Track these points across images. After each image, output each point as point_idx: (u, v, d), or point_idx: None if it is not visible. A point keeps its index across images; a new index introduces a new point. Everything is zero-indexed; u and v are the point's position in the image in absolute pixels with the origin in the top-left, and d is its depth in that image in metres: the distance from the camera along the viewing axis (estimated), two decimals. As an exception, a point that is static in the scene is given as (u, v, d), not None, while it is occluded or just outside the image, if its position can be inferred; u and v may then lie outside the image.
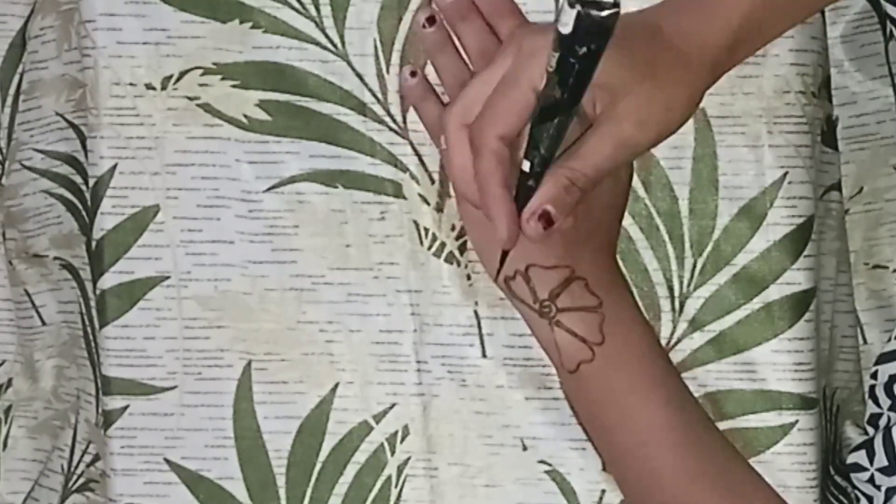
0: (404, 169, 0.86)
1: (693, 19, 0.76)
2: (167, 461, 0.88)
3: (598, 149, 0.73)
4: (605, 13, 0.65)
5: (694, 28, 0.75)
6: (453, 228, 0.86)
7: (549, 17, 0.85)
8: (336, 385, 0.88)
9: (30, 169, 0.93)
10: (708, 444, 0.81)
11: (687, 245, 0.86)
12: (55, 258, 0.94)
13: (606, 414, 0.81)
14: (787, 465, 0.86)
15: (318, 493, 0.88)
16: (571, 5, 0.66)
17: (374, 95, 0.86)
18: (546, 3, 0.85)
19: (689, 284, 0.86)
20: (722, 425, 0.85)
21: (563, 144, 0.73)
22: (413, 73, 0.86)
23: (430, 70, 0.86)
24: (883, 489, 0.87)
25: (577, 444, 0.87)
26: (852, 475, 0.90)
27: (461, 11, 0.83)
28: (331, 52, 0.86)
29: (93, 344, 0.90)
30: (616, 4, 0.66)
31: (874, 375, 0.92)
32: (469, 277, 0.87)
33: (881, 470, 0.88)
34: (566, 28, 0.66)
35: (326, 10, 0.86)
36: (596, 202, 0.79)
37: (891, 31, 0.94)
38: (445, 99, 0.85)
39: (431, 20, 0.84)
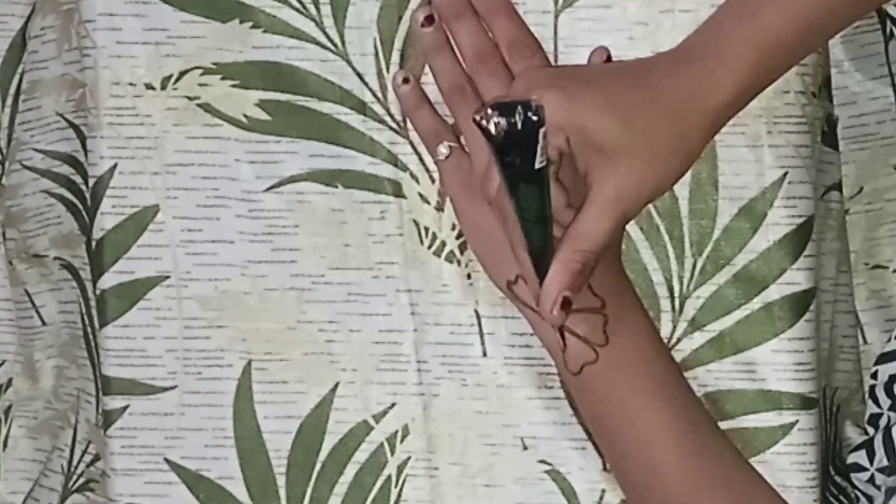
0: (404, 168, 0.86)
1: (695, 80, 0.74)
2: (167, 461, 0.88)
3: (599, 227, 0.74)
4: (501, 129, 0.66)
5: (696, 90, 0.74)
6: (453, 227, 0.86)
7: (548, 17, 0.85)
8: (336, 385, 0.88)
9: (30, 169, 0.93)
10: (711, 446, 0.81)
11: (687, 245, 0.86)
12: (55, 258, 0.94)
13: (610, 415, 0.81)
14: (787, 465, 0.86)
15: (318, 492, 0.88)
16: (477, 119, 0.66)
17: (374, 94, 0.86)
18: (545, 3, 0.85)
19: (689, 284, 0.86)
20: (722, 425, 0.85)
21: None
22: (406, 80, 0.86)
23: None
24: (883, 489, 0.87)
25: (578, 444, 0.87)
26: (852, 475, 0.90)
27: (456, 10, 0.83)
28: (331, 51, 0.86)
29: (93, 344, 0.90)
30: (513, 115, 0.66)
31: (874, 375, 0.92)
32: (469, 276, 0.87)
33: (881, 470, 0.88)
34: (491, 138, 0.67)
35: (326, 10, 0.86)
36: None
37: (891, 31, 0.94)
38: (439, 101, 0.85)
39: (430, 19, 0.84)
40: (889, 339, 0.93)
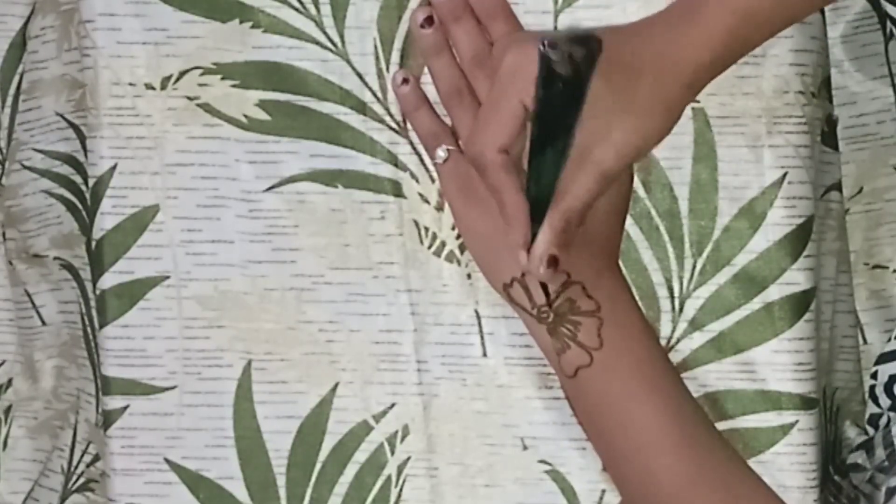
0: (404, 168, 0.86)
1: (671, 41, 0.75)
2: (167, 461, 0.88)
3: (579, 184, 0.75)
4: (573, 54, 0.67)
5: (673, 50, 0.75)
6: (453, 227, 0.86)
7: (548, 17, 0.85)
8: (336, 385, 0.88)
9: (30, 169, 0.94)
10: (707, 448, 0.81)
11: (687, 245, 0.86)
12: (55, 258, 0.94)
13: (605, 418, 0.81)
14: (787, 465, 0.86)
15: (318, 492, 0.88)
16: (543, 46, 0.67)
17: (374, 94, 0.86)
18: (545, 3, 0.85)
19: (689, 284, 0.86)
20: (722, 425, 0.85)
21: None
22: (405, 81, 0.86)
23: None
24: (883, 489, 0.87)
25: (578, 444, 0.87)
26: (852, 475, 0.90)
27: (455, 12, 0.83)
28: (331, 51, 0.86)
29: (93, 344, 0.90)
30: (589, 43, 0.66)
31: (874, 375, 0.92)
32: (469, 276, 0.87)
33: (881, 470, 0.88)
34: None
35: (326, 10, 0.86)
36: (596, 207, 0.79)
37: (891, 31, 0.94)
38: (438, 104, 0.85)
39: (429, 21, 0.84)
40: (889, 339, 0.94)
